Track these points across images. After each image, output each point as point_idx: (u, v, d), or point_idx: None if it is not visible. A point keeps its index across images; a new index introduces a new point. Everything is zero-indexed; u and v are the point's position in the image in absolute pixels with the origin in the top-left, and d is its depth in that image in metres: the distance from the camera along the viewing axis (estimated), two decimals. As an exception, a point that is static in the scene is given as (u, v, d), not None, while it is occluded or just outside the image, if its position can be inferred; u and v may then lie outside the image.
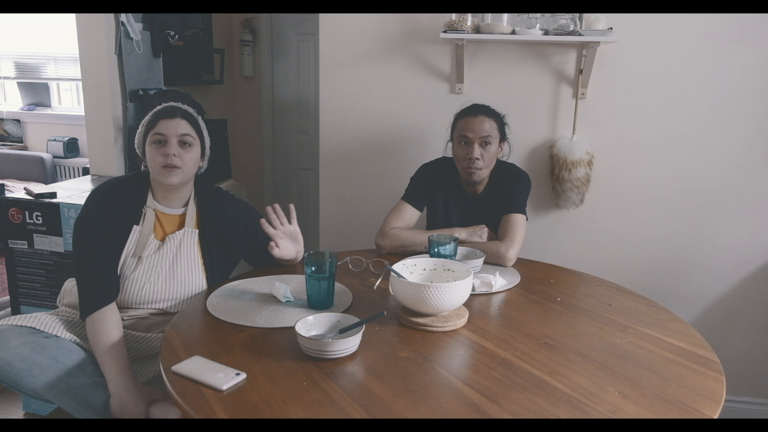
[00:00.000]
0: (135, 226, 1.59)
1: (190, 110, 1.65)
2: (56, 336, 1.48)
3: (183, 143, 1.58)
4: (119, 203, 1.59)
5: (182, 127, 1.58)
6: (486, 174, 1.93)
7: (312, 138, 3.57)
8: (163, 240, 1.62)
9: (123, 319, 1.59)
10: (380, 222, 1.98)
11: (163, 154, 1.56)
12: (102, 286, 1.53)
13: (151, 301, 1.59)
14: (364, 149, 2.47)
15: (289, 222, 1.69)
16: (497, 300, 1.58)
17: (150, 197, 1.64)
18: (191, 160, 1.61)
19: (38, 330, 1.48)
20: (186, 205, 1.68)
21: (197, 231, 1.66)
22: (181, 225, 1.66)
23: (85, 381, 1.43)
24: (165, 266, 1.59)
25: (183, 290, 1.61)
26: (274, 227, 1.65)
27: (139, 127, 1.64)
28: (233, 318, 1.40)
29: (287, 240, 1.69)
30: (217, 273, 1.68)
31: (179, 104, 1.64)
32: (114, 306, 1.54)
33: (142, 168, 1.67)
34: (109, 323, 1.49)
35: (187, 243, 1.64)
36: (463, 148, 1.90)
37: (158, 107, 1.62)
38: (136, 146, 1.65)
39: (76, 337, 1.51)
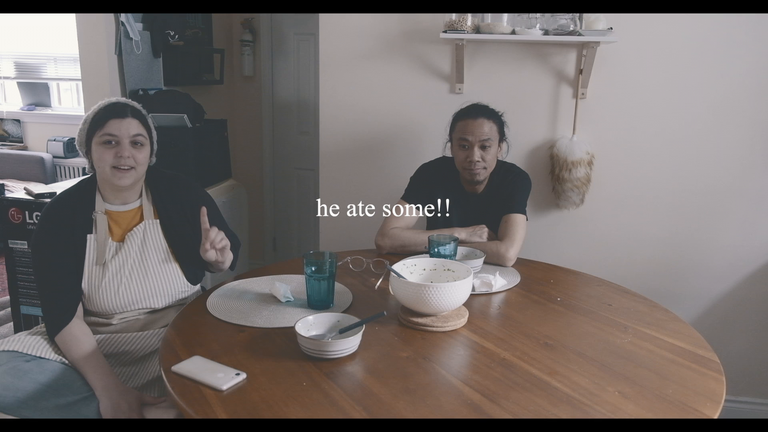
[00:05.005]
0: (89, 235, 1.55)
1: (138, 107, 1.59)
2: (39, 357, 1.44)
3: (135, 143, 1.54)
4: (65, 218, 1.54)
5: (134, 127, 1.54)
6: (488, 173, 1.94)
7: (312, 138, 3.57)
8: (122, 240, 1.58)
9: (113, 324, 1.57)
10: (380, 222, 1.98)
11: (115, 155, 1.50)
12: (63, 304, 1.50)
13: (134, 302, 1.56)
14: (364, 149, 2.47)
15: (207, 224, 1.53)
16: (497, 300, 1.58)
17: (99, 200, 1.58)
18: (144, 159, 1.56)
19: (21, 353, 1.44)
20: (140, 197, 1.62)
21: (158, 221, 1.62)
22: (141, 218, 1.61)
23: (74, 398, 1.40)
24: (135, 264, 1.56)
25: (160, 283, 1.57)
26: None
27: (81, 123, 1.57)
28: (233, 318, 1.40)
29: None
30: (191, 262, 1.63)
31: (128, 101, 1.58)
32: (77, 319, 1.51)
33: (87, 168, 1.61)
34: (78, 336, 1.48)
35: (151, 235, 1.60)
36: (464, 151, 1.89)
37: (105, 103, 1.56)
38: (77, 144, 1.58)
39: (61, 357, 1.48)
